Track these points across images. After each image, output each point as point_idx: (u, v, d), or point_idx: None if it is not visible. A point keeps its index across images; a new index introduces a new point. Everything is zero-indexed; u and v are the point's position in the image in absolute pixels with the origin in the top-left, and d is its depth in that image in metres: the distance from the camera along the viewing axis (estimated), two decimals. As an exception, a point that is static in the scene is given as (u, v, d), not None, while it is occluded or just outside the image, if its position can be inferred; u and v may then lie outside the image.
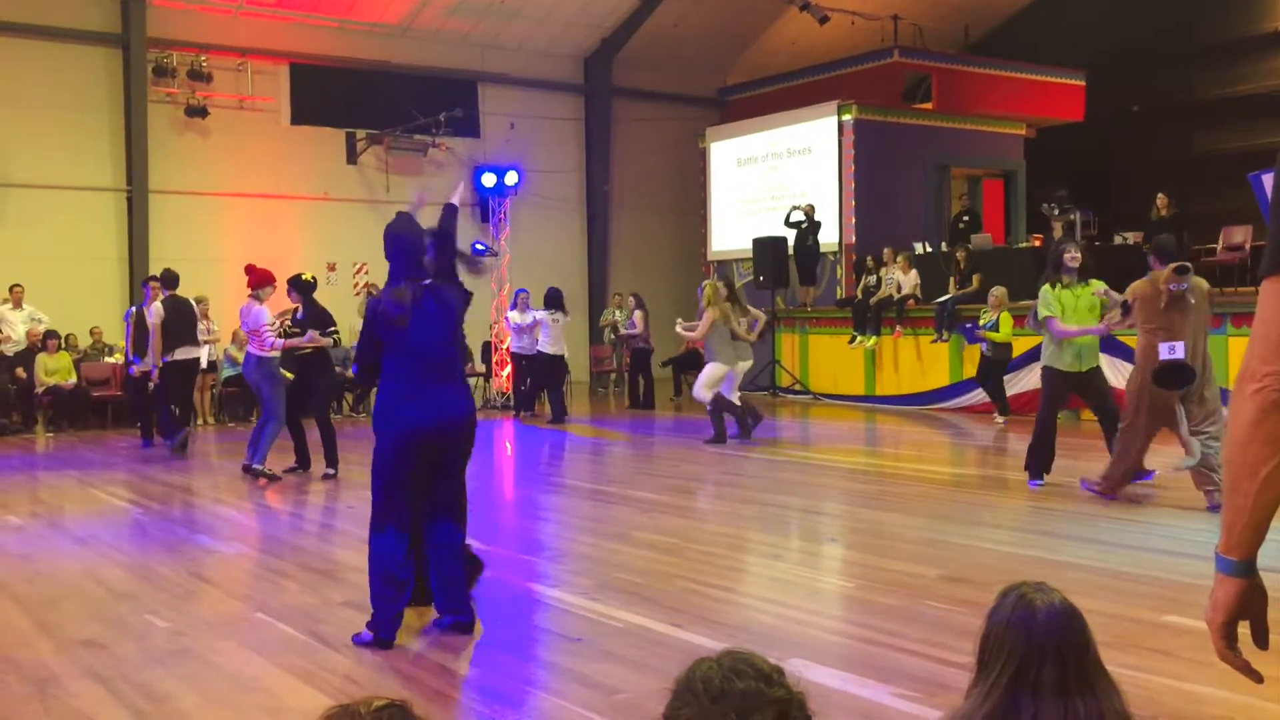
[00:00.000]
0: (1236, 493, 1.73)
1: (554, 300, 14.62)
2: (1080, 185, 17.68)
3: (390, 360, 4.92)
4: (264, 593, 5.90)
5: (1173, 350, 7.24)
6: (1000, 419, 13.14)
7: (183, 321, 11.86)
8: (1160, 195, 14.44)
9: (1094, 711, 1.81)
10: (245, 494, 9.27)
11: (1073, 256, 8.18)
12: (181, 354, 11.77)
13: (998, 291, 13.08)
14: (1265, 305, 1.73)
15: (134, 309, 13.18)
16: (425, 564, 4.99)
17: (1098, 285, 8.28)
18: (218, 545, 7.20)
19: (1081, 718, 1.80)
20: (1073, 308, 8.10)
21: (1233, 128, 19.37)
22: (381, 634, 4.78)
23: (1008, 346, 13.13)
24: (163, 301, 11.85)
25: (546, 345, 14.50)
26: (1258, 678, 1.79)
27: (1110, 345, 10.95)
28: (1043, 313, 8.14)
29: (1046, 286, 8.23)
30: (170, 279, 12.01)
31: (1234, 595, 1.73)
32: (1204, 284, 7.69)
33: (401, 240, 5.05)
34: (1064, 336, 8.08)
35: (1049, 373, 8.32)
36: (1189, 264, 7.55)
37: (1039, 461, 8.42)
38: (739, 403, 11.82)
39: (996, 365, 13.25)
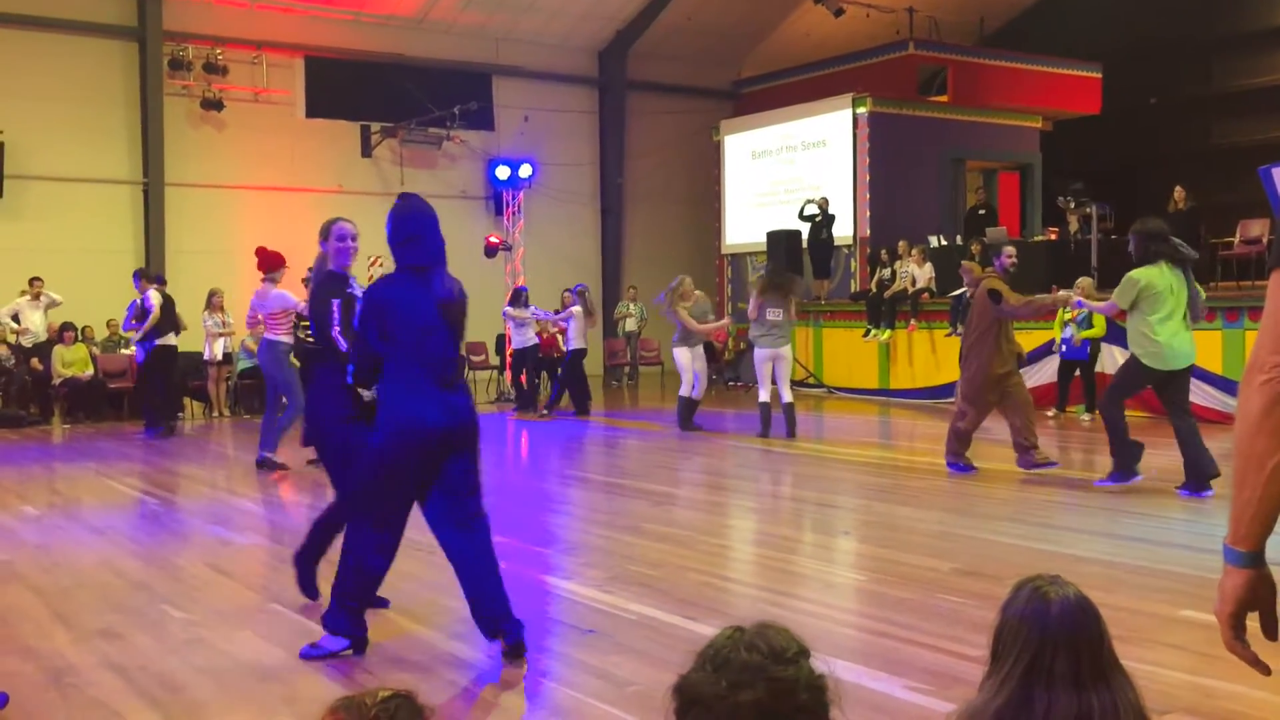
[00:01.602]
0: (1244, 484, 1.73)
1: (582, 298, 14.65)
2: (1097, 178, 17.60)
3: (400, 356, 4.39)
4: (279, 584, 5.91)
5: None
6: (1087, 416, 12.56)
7: (172, 311, 13.21)
8: (1177, 188, 14.35)
9: (1108, 705, 1.81)
10: (260, 486, 9.31)
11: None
12: (167, 340, 12.99)
13: (1084, 283, 11.88)
14: (1274, 297, 1.73)
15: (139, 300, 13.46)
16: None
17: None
18: (233, 536, 7.23)
19: (1095, 711, 1.80)
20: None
21: (1251, 119, 19.26)
22: (358, 632, 4.54)
23: (1098, 341, 12.64)
24: (160, 292, 12.96)
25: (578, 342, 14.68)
26: (1265, 669, 1.79)
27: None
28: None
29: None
30: (153, 274, 13.54)
31: (1242, 586, 1.74)
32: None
33: (416, 222, 4.45)
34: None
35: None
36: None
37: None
38: (765, 399, 11.58)
39: (1090, 360, 12.58)
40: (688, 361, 12.27)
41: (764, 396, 11.53)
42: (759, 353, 11.48)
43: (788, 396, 11.53)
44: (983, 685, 1.91)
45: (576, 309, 14.29)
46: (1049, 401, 12.92)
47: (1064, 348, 12.69)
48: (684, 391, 12.32)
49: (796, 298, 12.28)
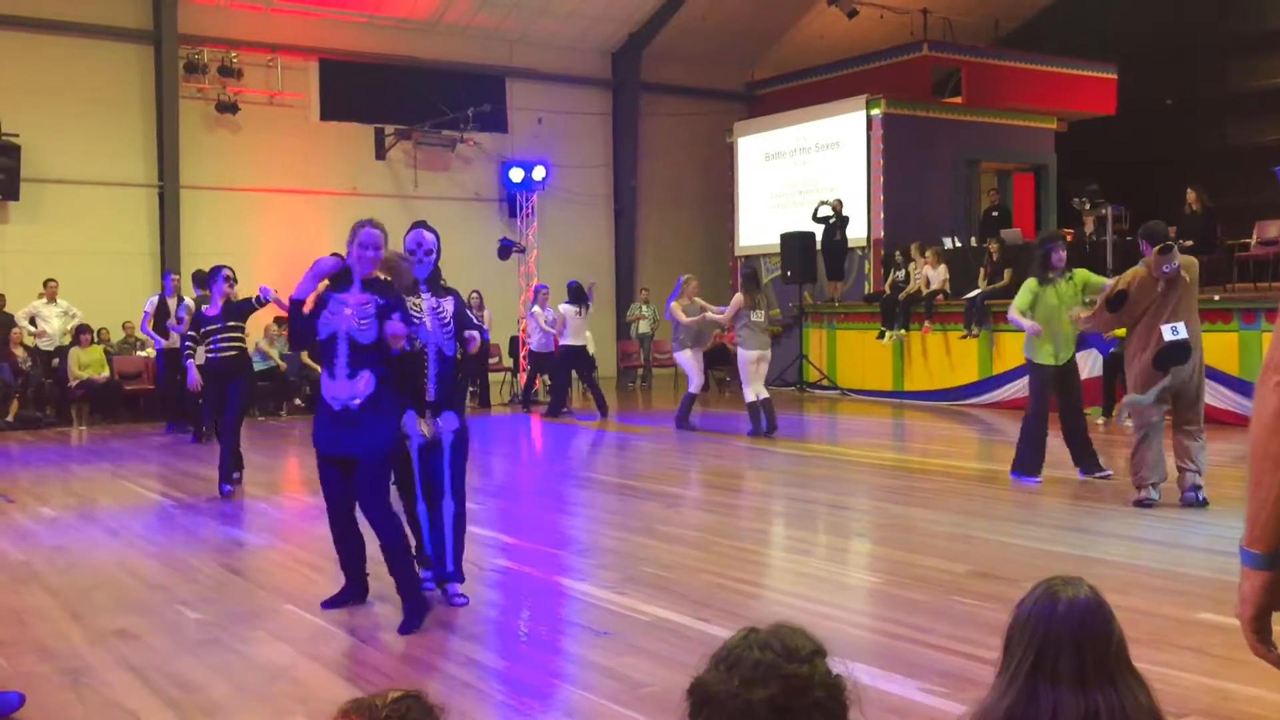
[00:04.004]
0: (1260, 485, 1.72)
1: (577, 295, 14.61)
2: (1112, 179, 17.46)
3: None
4: (293, 585, 5.94)
5: (1175, 331, 7.26)
6: (1103, 419, 12.27)
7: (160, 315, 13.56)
8: (1190, 190, 14.22)
9: (1115, 705, 1.78)
10: (275, 487, 9.34)
11: (1060, 256, 8.36)
12: (169, 344, 13.34)
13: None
14: None
15: (183, 300, 13.54)
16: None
17: (1081, 276, 8.47)
18: (248, 537, 7.26)
19: (1101, 711, 1.77)
20: (1055, 304, 8.30)
21: (1268, 120, 19.14)
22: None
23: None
24: (176, 296, 13.54)
25: (568, 338, 14.54)
26: None
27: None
28: (1015, 306, 8.48)
29: (1033, 280, 8.47)
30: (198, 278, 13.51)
31: (1260, 588, 1.73)
32: (1194, 262, 7.58)
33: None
34: (1021, 328, 8.49)
35: (1032, 366, 8.55)
36: (1173, 243, 7.62)
37: (1034, 459, 8.50)
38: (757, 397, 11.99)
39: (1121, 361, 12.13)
40: (690, 361, 12.63)
41: (752, 396, 11.97)
42: (751, 354, 11.88)
43: (765, 393, 12.05)
44: (994, 684, 1.90)
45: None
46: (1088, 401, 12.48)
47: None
48: (693, 389, 12.69)
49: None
